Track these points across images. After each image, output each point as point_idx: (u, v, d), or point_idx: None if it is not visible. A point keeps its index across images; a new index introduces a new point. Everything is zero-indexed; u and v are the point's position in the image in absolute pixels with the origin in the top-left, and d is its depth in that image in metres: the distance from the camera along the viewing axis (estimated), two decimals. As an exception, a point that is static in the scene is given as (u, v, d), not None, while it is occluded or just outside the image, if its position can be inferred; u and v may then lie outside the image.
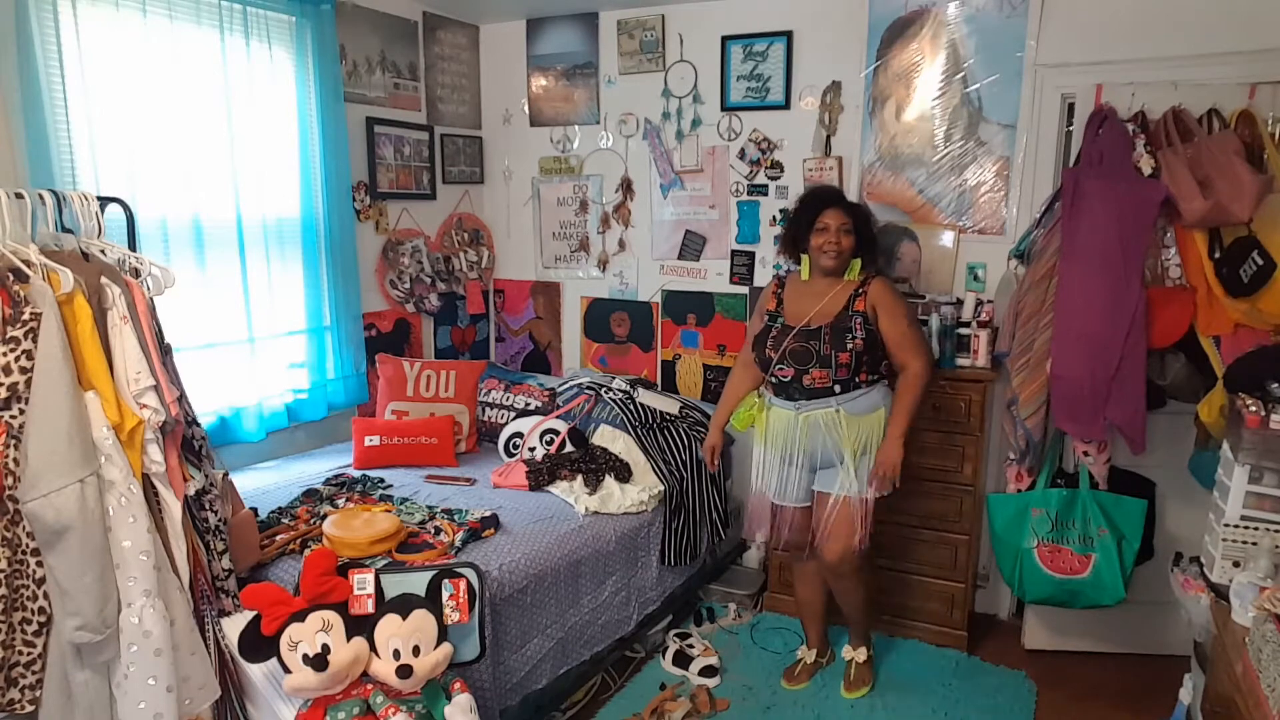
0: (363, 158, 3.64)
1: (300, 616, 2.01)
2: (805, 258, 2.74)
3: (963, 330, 3.14)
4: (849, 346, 2.58)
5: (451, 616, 2.12)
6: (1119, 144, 2.66)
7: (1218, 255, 2.55)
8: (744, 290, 3.80)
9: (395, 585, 2.13)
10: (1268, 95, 2.65)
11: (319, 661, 1.95)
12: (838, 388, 2.61)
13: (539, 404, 3.64)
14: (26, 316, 1.76)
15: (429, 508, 2.84)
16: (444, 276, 4.08)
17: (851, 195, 3.49)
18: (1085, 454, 2.80)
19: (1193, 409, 2.64)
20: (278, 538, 2.56)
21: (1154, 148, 2.64)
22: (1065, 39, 3.06)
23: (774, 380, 2.70)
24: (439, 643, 2.09)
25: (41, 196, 2.00)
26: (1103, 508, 2.80)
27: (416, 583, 2.14)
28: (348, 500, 2.88)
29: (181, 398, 2.10)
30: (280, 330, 3.33)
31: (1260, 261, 2.42)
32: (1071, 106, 3.11)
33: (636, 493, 3.11)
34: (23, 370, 1.75)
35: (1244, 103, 2.65)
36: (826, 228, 2.63)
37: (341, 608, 2.05)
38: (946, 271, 3.37)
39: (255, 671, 2.15)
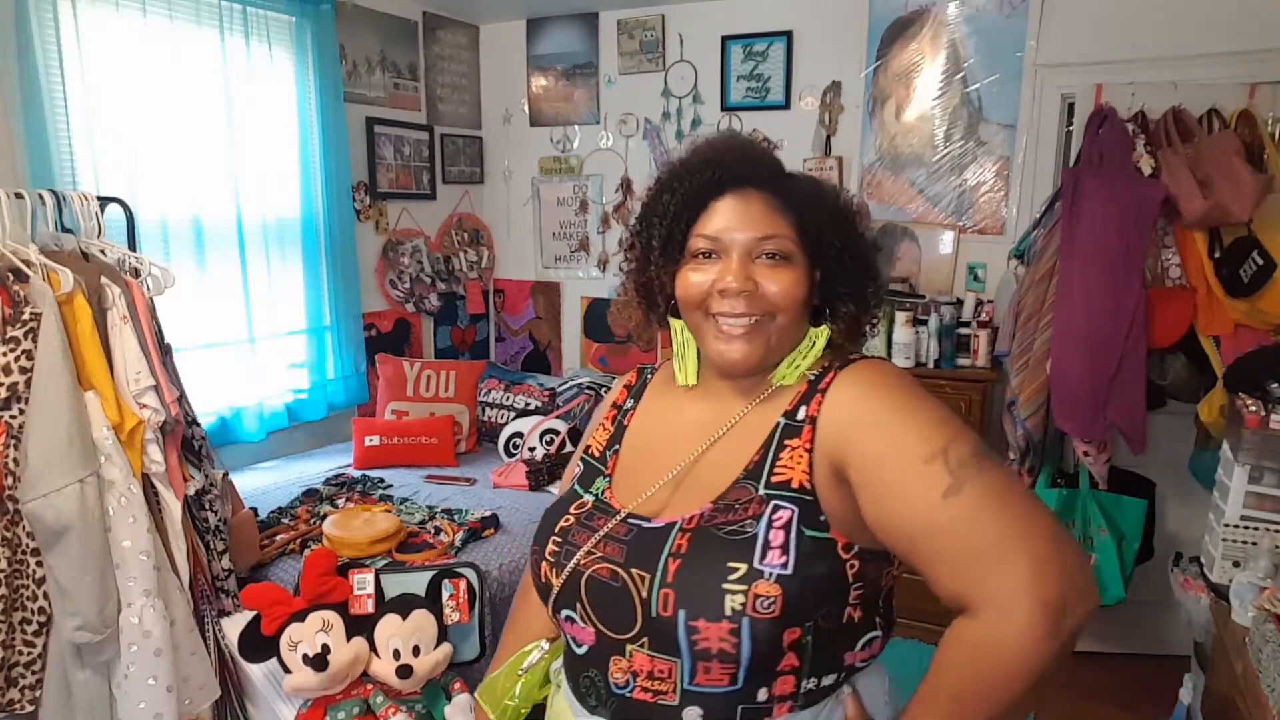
0: (363, 158, 3.64)
1: (300, 616, 2.01)
2: (678, 326, 1.06)
3: (963, 330, 3.14)
4: (764, 604, 0.86)
5: (451, 616, 2.12)
6: (1119, 144, 2.65)
7: (1218, 255, 2.55)
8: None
9: (395, 585, 2.13)
10: (1268, 95, 2.65)
11: (319, 661, 1.95)
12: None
13: (539, 404, 3.64)
14: (26, 316, 1.76)
15: (429, 508, 2.84)
16: (444, 276, 4.08)
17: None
18: (1085, 454, 2.80)
19: (1193, 409, 2.64)
20: (278, 538, 2.56)
21: (1154, 148, 2.64)
22: (1065, 39, 3.06)
23: (566, 640, 1.03)
24: (439, 643, 2.09)
25: (41, 196, 2.00)
26: (1103, 508, 2.79)
27: (416, 583, 2.14)
28: (348, 500, 2.88)
29: (181, 398, 2.10)
30: (280, 330, 3.33)
31: (1260, 261, 2.42)
32: (1071, 106, 3.11)
33: (636, 493, 3.11)
34: (23, 370, 1.75)
35: (1244, 103, 2.65)
36: (720, 246, 0.99)
37: (341, 608, 2.05)
38: (946, 271, 3.37)
39: (255, 671, 2.16)
